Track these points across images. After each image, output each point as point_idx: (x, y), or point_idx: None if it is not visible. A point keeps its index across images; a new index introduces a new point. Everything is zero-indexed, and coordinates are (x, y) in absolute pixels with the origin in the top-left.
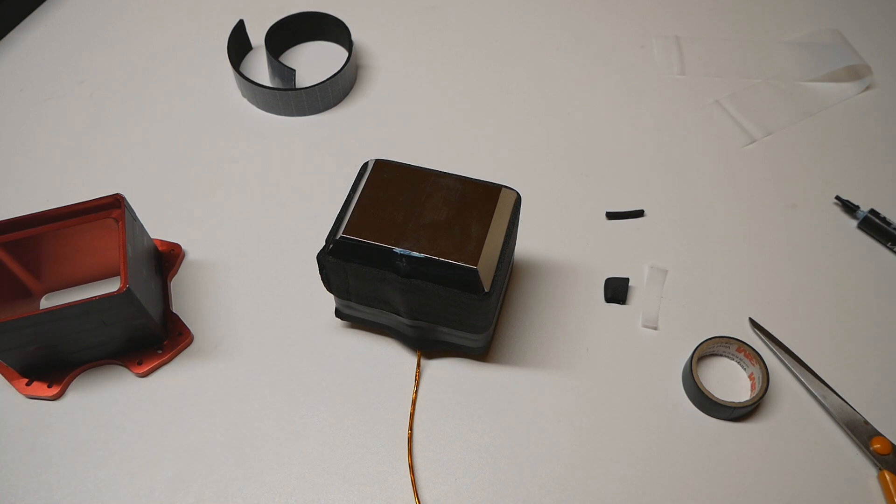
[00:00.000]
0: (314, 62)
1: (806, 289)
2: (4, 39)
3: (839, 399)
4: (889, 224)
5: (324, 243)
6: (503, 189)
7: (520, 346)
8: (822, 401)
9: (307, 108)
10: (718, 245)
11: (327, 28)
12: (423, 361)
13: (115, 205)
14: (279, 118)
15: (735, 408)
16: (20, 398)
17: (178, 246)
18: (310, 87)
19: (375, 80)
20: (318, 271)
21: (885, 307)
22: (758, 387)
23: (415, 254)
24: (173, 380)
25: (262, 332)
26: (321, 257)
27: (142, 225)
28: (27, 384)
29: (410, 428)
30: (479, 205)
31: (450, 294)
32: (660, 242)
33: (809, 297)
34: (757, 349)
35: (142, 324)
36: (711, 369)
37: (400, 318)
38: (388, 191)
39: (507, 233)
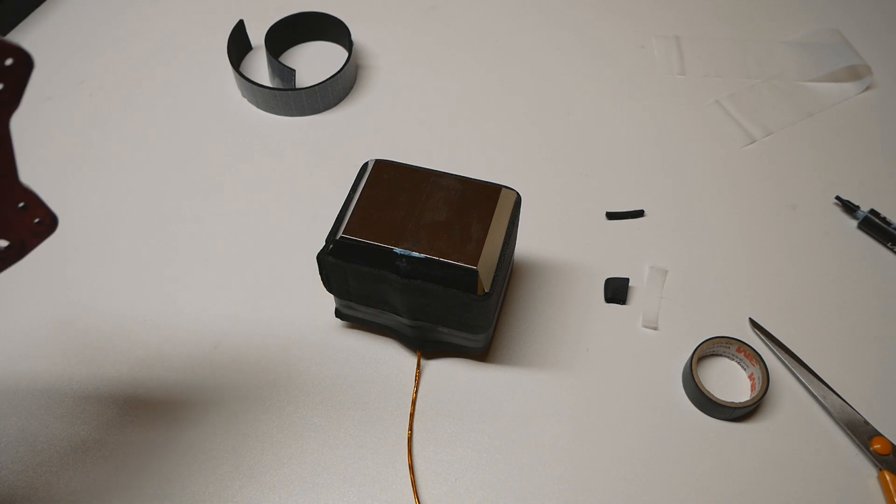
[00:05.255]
0: (314, 62)
1: (806, 289)
2: None
3: (839, 399)
4: (889, 224)
5: (324, 243)
6: (503, 189)
7: (520, 346)
8: (822, 401)
9: (307, 108)
10: (718, 245)
11: (327, 28)
12: (423, 361)
13: None
14: (279, 118)
15: (735, 408)
16: None
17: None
18: (310, 87)
19: (375, 80)
20: (318, 271)
21: (885, 307)
22: (758, 387)
23: (415, 254)
24: (173, 378)
25: (263, 332)
26: (321, 257)
27: None
28: None
29: (410, 428)
30: (479, 205)
31: (450, 294)
32: (660, 242)
33: (809, 297)
34: (757, 349)
35: None
36: (711, 369)
37: (400, 318)
38: (388, 191)
39: (507, 233)
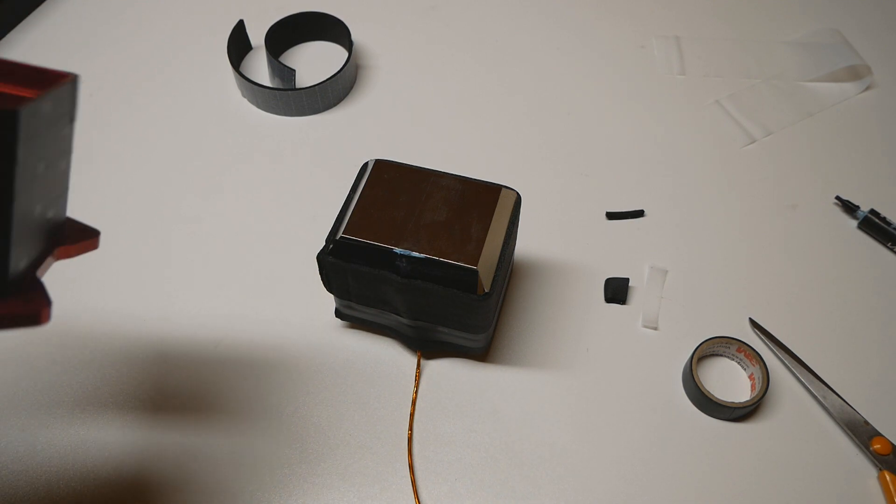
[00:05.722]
0: (314, 62)
1: (806, 289)
2: (4, 39)
3: (839, 399)
4: (889, 224)
5: (324, 243)
6: (503, 189)
7: (520, 346)
8: (822, 401)
9: (307, 108)
10: (718, 245)
11: (327, 28)
12: (423, 361)
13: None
14: (279, 118)
15: (735, 408)
16: None
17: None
18: (310, 87)
19: (375, 80)
20: (318, 271)
21: (886, 307)
22: (758, 387)
23: (415, 254)
24: (173, 378)
25: (263, 332)
26: (321, 257)
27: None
28: None
29: (410, 428)
30: (479, 205)
31: (450, 294)
32: (660, 242)
33: (809, 297)
34: (757, 349)
35: None
36: (711, 369)
37: (400, 318)
38: (388, 191)
39: (507, 233)
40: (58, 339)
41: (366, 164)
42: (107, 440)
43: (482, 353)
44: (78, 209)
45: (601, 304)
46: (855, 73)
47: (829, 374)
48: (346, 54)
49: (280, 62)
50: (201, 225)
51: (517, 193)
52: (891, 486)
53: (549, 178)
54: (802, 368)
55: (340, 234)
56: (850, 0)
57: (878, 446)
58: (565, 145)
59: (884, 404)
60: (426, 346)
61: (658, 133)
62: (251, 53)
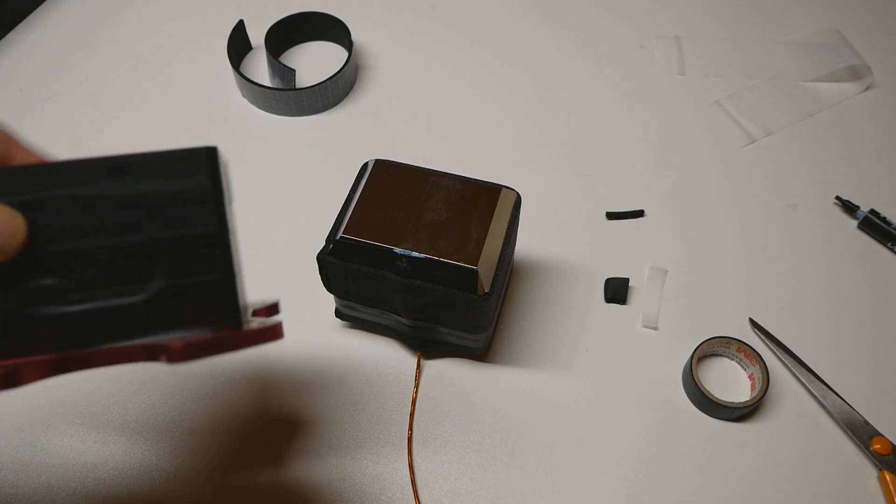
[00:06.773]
0: (314, 62)
1: (806, 289)
2: (4, 39)
3: (839, 399)
4: (889, 224)
5: (324, 243)
6: (503, 189)
7: (520, 346)
8: (822, 401)
9: (307, 108)
10: (718, 245)
11: (327, 28)
12: (423, 361)
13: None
14: (279, 118)
15: (735, 408)
16: None
17: None
18: (310, 87)
19: (375, 80)
20: (318, 271)
21: (886, 307)
22: (758, 387)
23: (415, 254)
24: (173, 378)
25: None
26: (321, 257)
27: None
28: None
29: (410, 428)
30: (479, 205)
31: (450, 294)
32: (660, 242)
33: (809, 297)
34: (757, 349)
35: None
36: (711, 369)
37: (400, 318)
38: (388, 191)
39: (507, 233)
40: None
41: (366, 164)
42: (106, 440)
43: (482, 353)
44: None
45: (601, 304)
46: (855, 73)
47: (829, 374)
48: (346, 54)
49: (280, 62)
50: None
51: (517, 193)
52: (891, 486)
53: (549, 178)
54: (802, 368)
55: (340, 234)
56: (850, 0)
57: (878, 446)
58: (565, 145)
59: (884, 404)
60: (426, 346)
61: (658, 133)
62: (251, 53)
